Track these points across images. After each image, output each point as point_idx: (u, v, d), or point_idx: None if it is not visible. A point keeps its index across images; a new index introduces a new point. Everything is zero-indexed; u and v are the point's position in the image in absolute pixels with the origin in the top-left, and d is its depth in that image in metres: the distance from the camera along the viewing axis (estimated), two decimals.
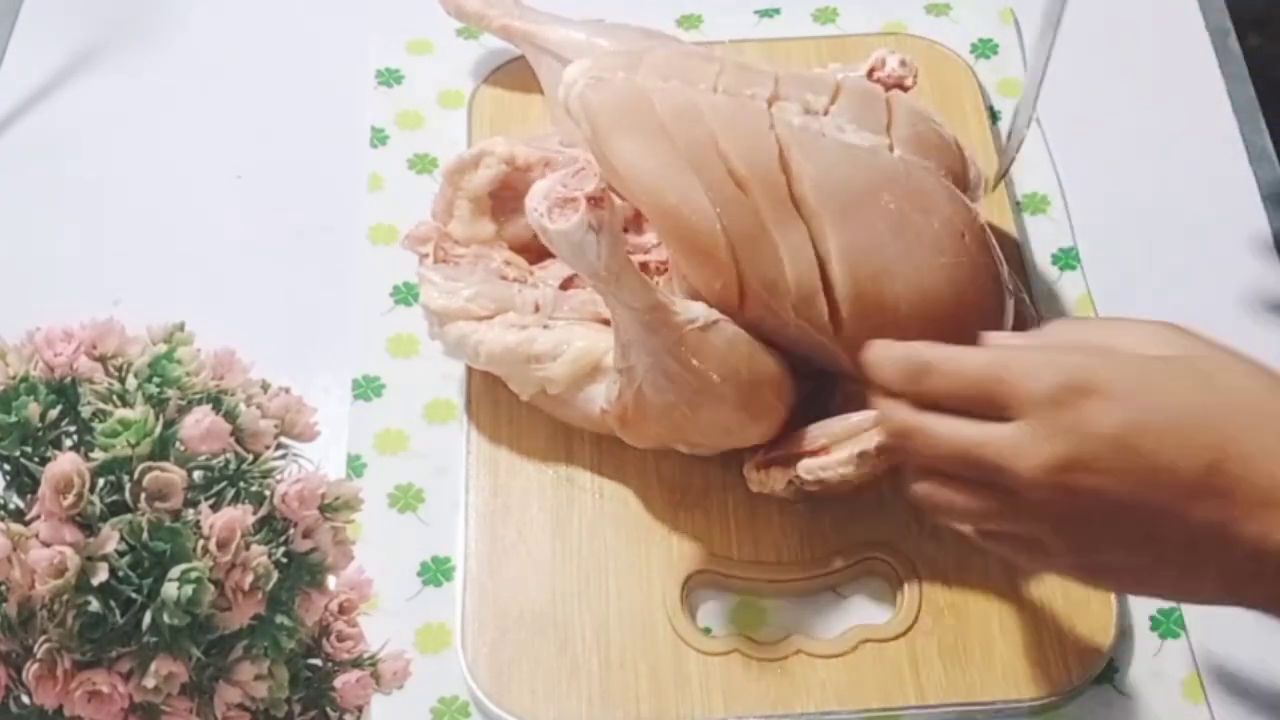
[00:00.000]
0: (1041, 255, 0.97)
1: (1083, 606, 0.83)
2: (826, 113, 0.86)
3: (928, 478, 0.70)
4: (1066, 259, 0.97)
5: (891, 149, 0.86)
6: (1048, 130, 1.03)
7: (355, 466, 0.89)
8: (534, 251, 0.91)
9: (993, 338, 0.72)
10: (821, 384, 0.85)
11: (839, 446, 0.81)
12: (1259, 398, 0.66)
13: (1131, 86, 1.06)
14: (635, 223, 0.90)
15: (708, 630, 0.84)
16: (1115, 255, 0.98)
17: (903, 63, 0.91)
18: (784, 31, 1.08)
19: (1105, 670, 0.81)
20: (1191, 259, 0.98)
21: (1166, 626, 0.83)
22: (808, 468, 0.82)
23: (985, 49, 1.07)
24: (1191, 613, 0.83)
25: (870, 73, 0.91)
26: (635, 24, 1.00)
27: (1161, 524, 0.65)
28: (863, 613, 0.84)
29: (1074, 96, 1.05)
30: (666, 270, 0.86)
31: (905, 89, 0.91)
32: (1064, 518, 0.66)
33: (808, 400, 0.84)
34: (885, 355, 0.71)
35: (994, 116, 1.03)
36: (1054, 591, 0.83)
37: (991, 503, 0.67)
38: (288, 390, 0.66)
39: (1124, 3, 1.10)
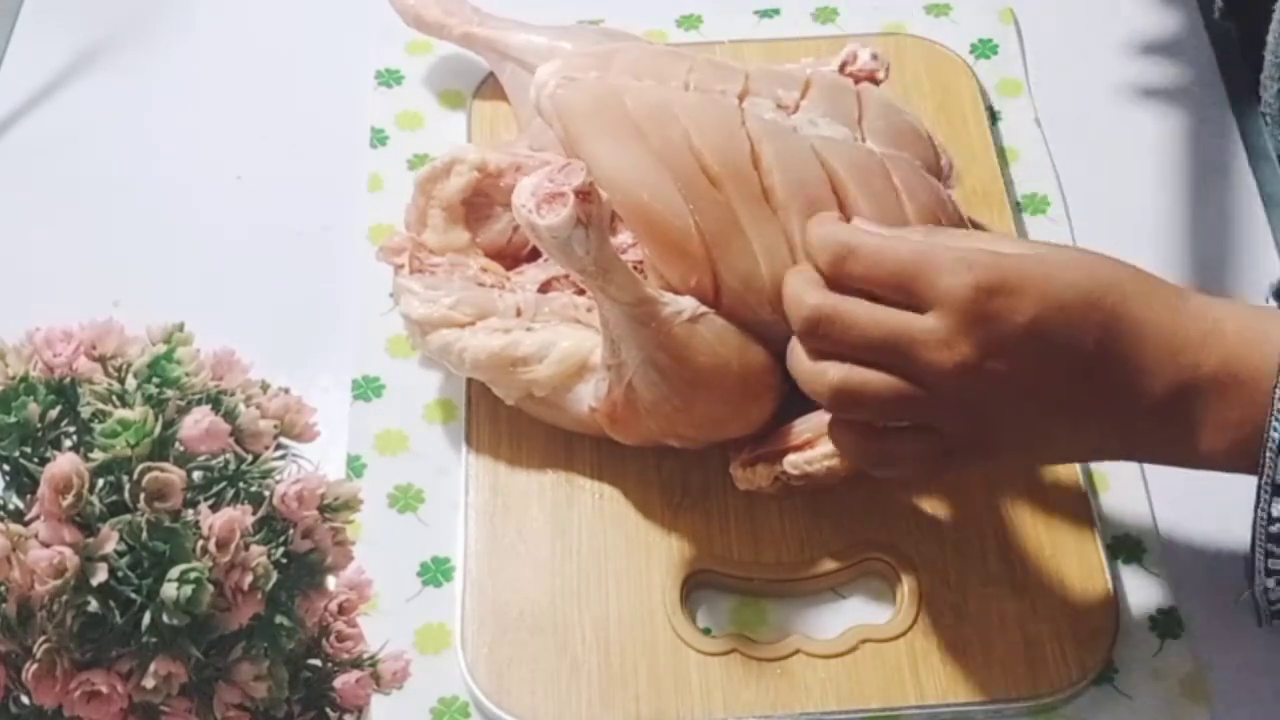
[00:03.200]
0: None
1: (1083, 606, 0.83)
2: (797, 107, 0.87)
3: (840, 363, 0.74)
4: None
5: (863, 140, 0.86)
6: (1047, 130, 1.03)
7: (355, 467, 0.89)
8: (508, 258, 0.91)
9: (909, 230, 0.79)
10: None
11: (823, 440, 0.81)
12: (1124, 278, 0.74)
13: (1131, 86, 1.06)
14: (610, 224, 0.90)
15: (707, 630, 0.84)
16: (1115, 255, 0.98)
17: (874, 56, 0.92)
18: (784, 31, 1.08)
19: (1105, 670, 0.81)
20: (1192, 260, 0.97)
21: (1166, 626, 0.83)
22: (793, 462, 0.82)
23: (985, 49, 1.07)
24: (1191, 612, 0.83)
25: (842, 67, 0.91)
26: (626, 26, 1.01)
27: (1059, 394, 0.73)
28: (863, 613, 0.84)
29: (1074, 97, 1.06)
30: (641, 271, 0.86)
31: (876, 82, 0.91)
32: (970, 402, 0.73)
33: (790, 396, 0.84)
34: (821, 234, 0.77)
35: (994, 117, 1.03)
36: (1054, 591, 0.83)
37: (904, 387, 0.73)
38: (287, 390, 0.66)
39: (1124, 2, 1.10)
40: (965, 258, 0.73)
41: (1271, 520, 0.72)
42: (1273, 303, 0.77)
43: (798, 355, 0.77)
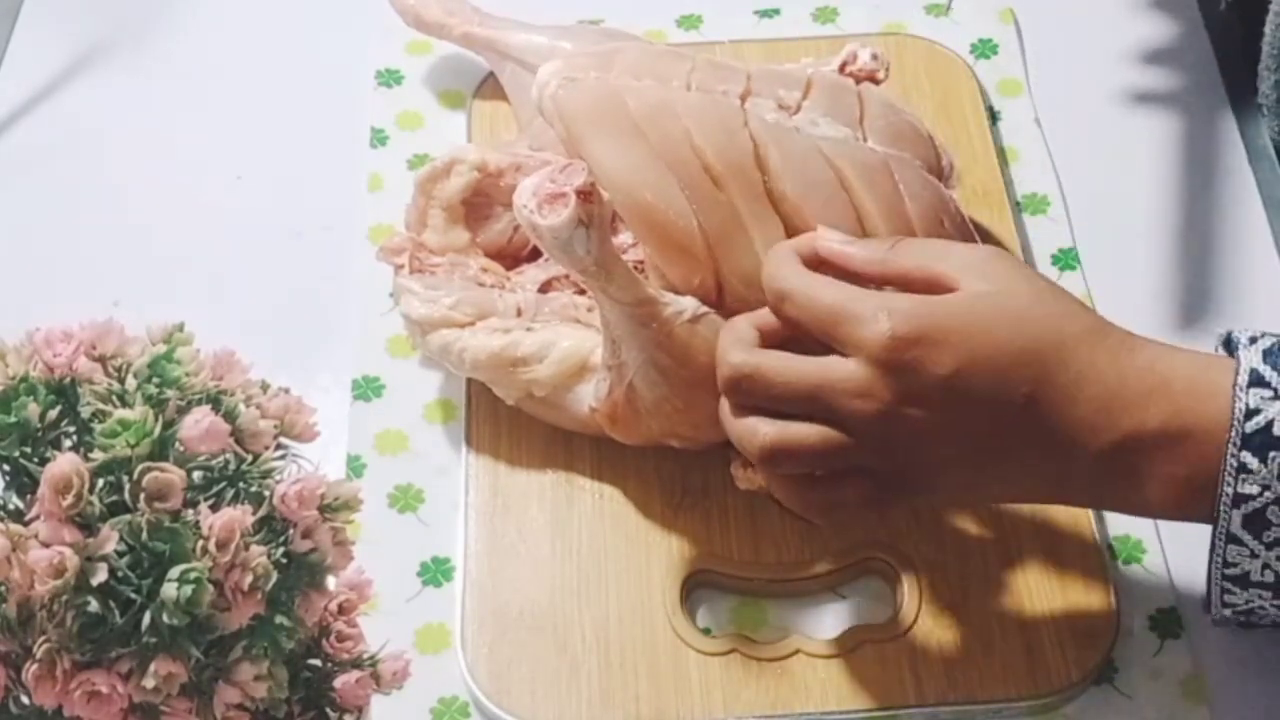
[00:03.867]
0: (1041, 255, 0.97)
1: (1083, 606, 0.83)
2: (799, 108, 0.87)
3: (765, 418, 0.75)
4: (1066, 259, 0.97)
5: (865, 140, 0.86)
6: (1048, 130, 1.03)
7: (355, 467, 0.89)
8: (508, 258, 0.91)
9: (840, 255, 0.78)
10: None
11: None
12: (1066, 330, 0.73)
13: (1132, 87, 1.06)
14: (610, 224, 0.90)
15: (708, 630, 0.84)
16: (1115, 255, 0.98)
17: (874, 56, 0.91)
18: (784, 31, 1.08)
19: (1105, 670, 0.81)
20: (1192, 260, 0.98)
21: (1166, 626, 0.83)
22: None
23: (985, 49, 1.07)
24: (1191, 613, 0.83)
25: (842, 67, 0.91)
26: (626, 26, 1.01)
27: (984, 443, 0.73)
28: (863, 613, 0.84)
29: (1074, 97, 1.06)
30: (643, 271, 0.86)
31: (877, 82, 0.91)
32: (893, 447, 0.74)
33: None
34: (767, 273, 0.78)
35: (994, 117, 1.03)
36: (1054, 591, 0.83)
37: (831, 435, 0.74)
38: (288, 390, 0.66)
39: (1124, 3, 1.10)
40: (886, 306, 0.73)
41: (1228, 564, 0.72)
42: (1222, 352, 0.76)
43: (726, 412, 0.77)
